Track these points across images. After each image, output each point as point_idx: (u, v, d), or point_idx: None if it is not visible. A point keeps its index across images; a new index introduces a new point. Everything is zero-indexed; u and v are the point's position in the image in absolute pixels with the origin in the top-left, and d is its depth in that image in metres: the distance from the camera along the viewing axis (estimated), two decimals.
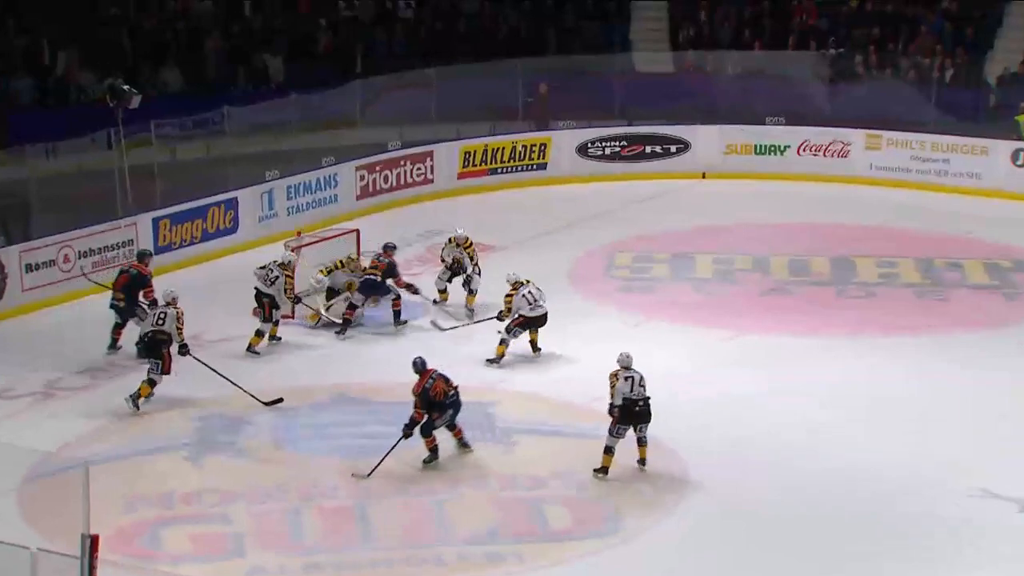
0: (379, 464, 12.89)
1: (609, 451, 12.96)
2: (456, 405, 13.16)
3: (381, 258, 16.93)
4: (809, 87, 24.73)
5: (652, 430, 13.06)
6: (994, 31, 25.53)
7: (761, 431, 13.94)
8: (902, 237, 19.27)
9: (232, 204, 20.07)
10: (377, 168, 22.19)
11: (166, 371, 14.57)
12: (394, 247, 17.11)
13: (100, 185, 19.35)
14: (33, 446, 12.82)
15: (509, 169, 23.54)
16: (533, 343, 15.94)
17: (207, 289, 18.21)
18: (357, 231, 18.32)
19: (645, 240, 20.32)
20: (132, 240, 18.51)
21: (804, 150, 23.58)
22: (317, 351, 16.45)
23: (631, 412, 12.83)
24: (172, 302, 14.79)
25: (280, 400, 14.63)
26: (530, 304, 15.60)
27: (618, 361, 13.03)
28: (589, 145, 23.91)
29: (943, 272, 18.89)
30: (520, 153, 23.69)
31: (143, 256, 16.52)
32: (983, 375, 15.18)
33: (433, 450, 13.20)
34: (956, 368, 15.43)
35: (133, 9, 25.33)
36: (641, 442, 13.06)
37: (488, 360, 15.66)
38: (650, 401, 12.86)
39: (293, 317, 16.96)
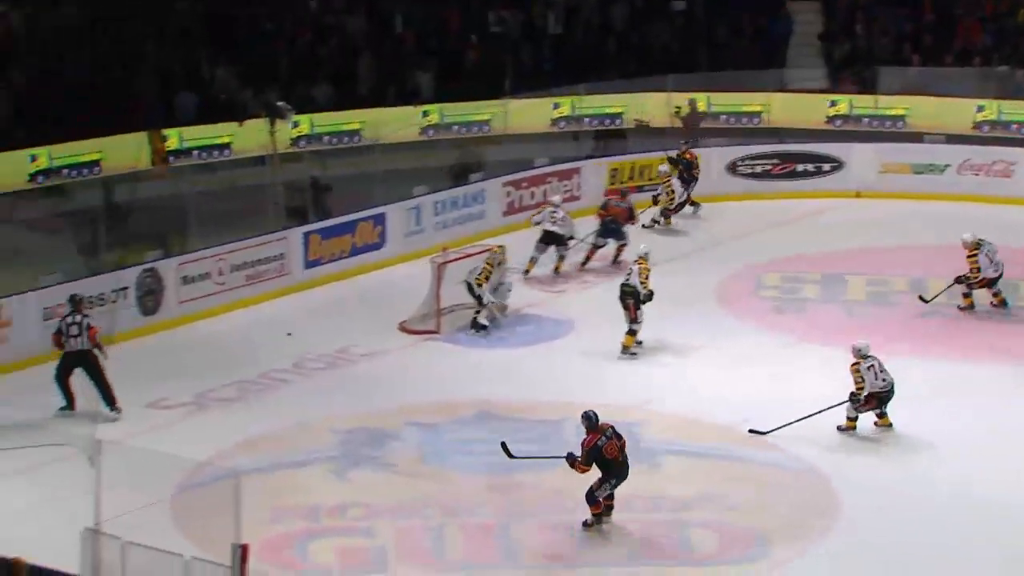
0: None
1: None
2: (625, 470, 12.37)
3: (619, 203, 19.40)
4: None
5: (806, 455, 13.29)
6: None
7: (916, 462, 13.72)
8: None
9: (380, 219, 20.26)
10: (523, 184, 22.05)
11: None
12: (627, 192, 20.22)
13: (255, 199, 20.10)
14: (185, 456, 13.09)
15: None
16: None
17: (354, 303, 18.61)
18: (503, 247, 18.19)
19: (795, 260, 20.02)
20: (283, 253, 18.93)
21: (965, 169, 22.98)
22: (464, 361, 16.64)
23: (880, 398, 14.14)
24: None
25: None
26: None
27: (855, 351, 14.11)
28: (739, 163, 23.63)
29: None
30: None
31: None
32: None
33: (598, 515, 12.38)
34: None
35: (288, 24, 25.79)
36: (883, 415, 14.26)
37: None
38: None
39: (439, 332, 17.29)
